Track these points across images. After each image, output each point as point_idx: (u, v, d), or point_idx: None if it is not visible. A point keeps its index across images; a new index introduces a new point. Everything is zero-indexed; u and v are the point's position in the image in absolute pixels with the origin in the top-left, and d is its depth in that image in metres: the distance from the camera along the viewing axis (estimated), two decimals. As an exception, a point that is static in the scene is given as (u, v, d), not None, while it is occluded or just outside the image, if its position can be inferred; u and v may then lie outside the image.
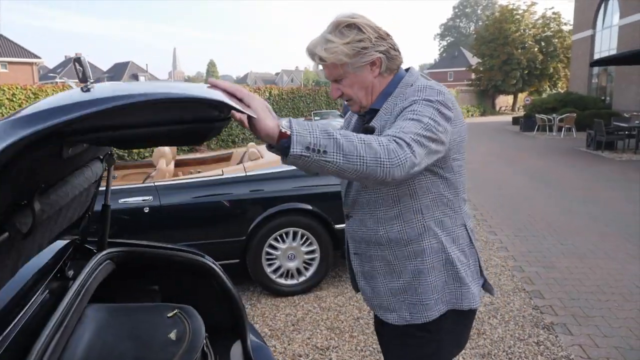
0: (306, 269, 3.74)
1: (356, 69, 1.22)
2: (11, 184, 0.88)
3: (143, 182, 3.73)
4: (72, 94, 0.85)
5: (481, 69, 37.44)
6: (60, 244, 1.64)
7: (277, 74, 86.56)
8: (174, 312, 1.44)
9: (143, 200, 3.37)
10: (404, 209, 1.23)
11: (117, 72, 61.90)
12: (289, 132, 0.95)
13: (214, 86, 0.99)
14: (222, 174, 3.61)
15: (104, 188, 1.74)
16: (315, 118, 15.67)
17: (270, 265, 3.66)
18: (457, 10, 75.79)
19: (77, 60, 0.91)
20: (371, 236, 1.29)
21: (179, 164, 4.91)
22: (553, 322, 3.15)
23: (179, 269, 1.84)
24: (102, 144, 0.99)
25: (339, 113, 16.37)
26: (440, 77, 55.98)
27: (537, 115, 17.91)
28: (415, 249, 1.24)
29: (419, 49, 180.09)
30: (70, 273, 1.55)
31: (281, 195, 3.56)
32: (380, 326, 1.39)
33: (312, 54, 1.23)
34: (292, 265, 3.69)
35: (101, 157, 1.49)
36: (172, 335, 1.31)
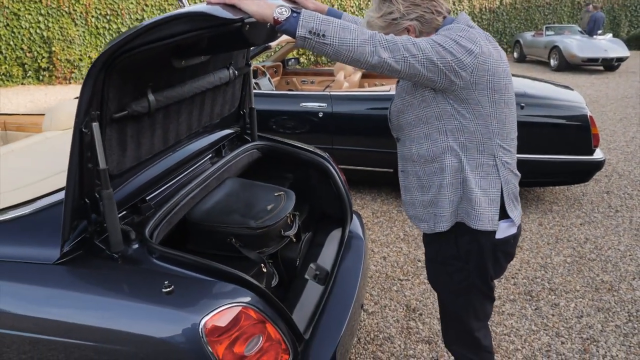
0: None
1: None
2: (122, 82, 1.36)
3: (323, 90, 4.33)
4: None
5: None
6: (225, 132, 2.33)
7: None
8: (280, 193, 1.99)
9: (319, 106, 3.99)
10: (431, 129, 1.42)
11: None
12: (281, 19, 1.22)
13: (209, 2, 1.26)
14: (389, 91, 3.93)
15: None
16: (548, 33, 13.55)
17: (420, 180, 3.95)
18: None
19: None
20: (407, 153, 1.53)
21: (365, 76, 5.36)
22: None
23: (308, 166, 2.37)
24: (152, 53, 1.35)
25: (579, 29, 13.87)
26: None
27: None
28: (440, 166, 1.44)
29: None
30: (226, 152, 2.23)
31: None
32: (424, 237, 1.67)
33: None
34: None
35: (227, 66, 1.99)
36: (268, 207, 1.86)
